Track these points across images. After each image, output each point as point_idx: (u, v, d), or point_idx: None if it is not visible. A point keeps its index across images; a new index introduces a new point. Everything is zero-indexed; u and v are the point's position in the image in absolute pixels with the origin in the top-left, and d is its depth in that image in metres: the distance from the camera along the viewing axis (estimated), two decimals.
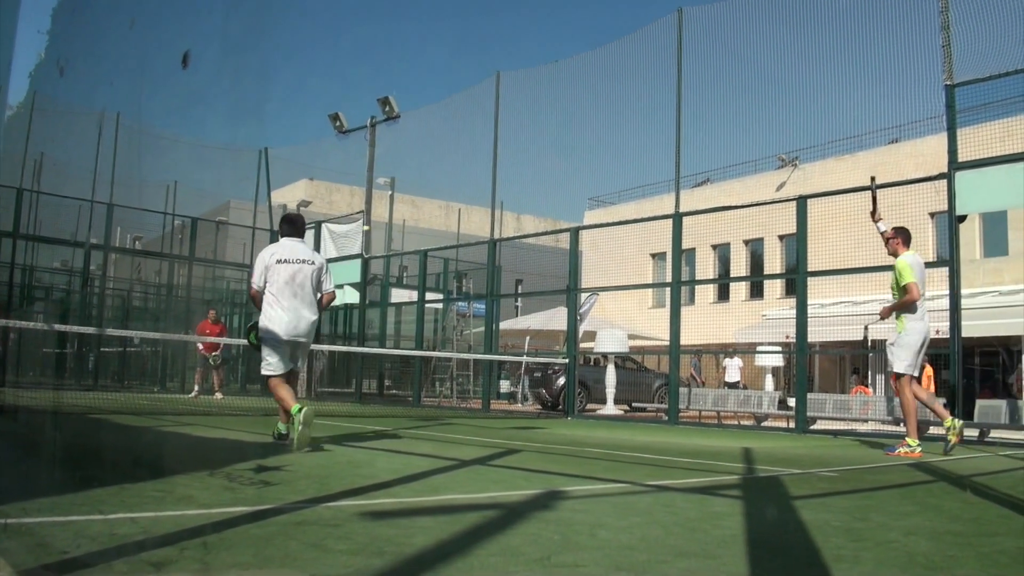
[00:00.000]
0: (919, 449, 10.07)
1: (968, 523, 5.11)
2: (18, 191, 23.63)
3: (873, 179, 11.64)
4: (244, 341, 9.74)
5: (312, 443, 8.30)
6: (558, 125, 21.60)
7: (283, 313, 8.61)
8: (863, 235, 17.29)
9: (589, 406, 23.20)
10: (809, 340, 15.86)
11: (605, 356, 23.66)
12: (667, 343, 17.46)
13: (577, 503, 5.55)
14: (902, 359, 10.28)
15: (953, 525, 4.96)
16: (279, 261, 8.72)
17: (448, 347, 27.82)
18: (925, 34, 14.18)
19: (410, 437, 11.35)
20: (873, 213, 11.20)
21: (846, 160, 31.02)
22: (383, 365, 28.40)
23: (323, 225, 26.57)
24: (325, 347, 25.74)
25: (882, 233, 10.95)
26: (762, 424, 18.23)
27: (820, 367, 29.97)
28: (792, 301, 16.06)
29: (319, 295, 8.96)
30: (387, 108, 25.54)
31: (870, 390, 26.14)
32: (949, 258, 13.54)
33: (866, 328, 24.32)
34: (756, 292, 35.02)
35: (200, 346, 21.13)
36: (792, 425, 15.96)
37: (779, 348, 23.55)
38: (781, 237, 31.01)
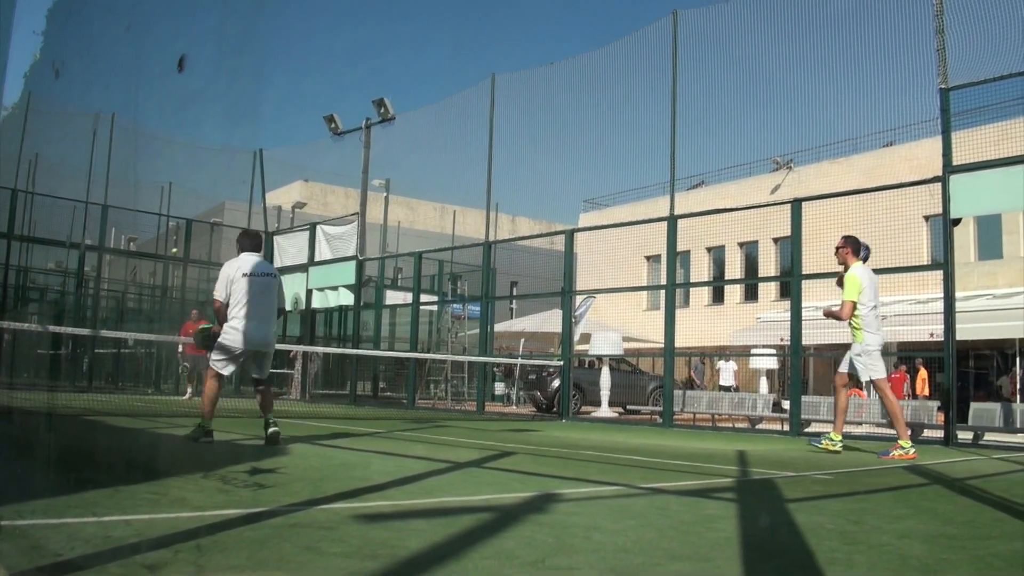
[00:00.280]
0: (913, 451, 10.09)
1: (962, 526, 5.12)
2: (13, 192, 23.60)
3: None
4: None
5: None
6: (553, 127, 21.63)
7: (248, 323, 8.96)
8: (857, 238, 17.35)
9: (583, 408, 23.19)
10: (803, 343, 15.87)
11: (600, 358, 23.67)
12: (662, 345, 17.47)
13: (571, 506, 5.56)
14: (875, 366, 10.37)
15: (947, 528, 4.97)
16: (244, 275, 9.07)
17: (443, 349, 27.83)
18: (920, 38, 14.22)
19: (404, 439, 11.35)
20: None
21: (841, 163, 31.08)
22: (377, 367, 28.38)
23: (318, 227, 26.54)
24: (320, 349, 25.77)
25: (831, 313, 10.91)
26: (756, 427, 18.23)
27: (814, 370, 30.00)
28: (786, 304, 16.09)
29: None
30: (382, 110, 25.53)
31: (864, 393, 26.19)
32: (943, 261, 13.56)
33: None
34: (751, 295, 35.09)
35: (181, 348, 21.11)
36: (787, 428, 15.98)
37: (773, 351, 23.56)
38: (776, 240, 31.08)
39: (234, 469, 6.68)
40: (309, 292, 25.83)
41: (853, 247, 10.61)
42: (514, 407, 27.16)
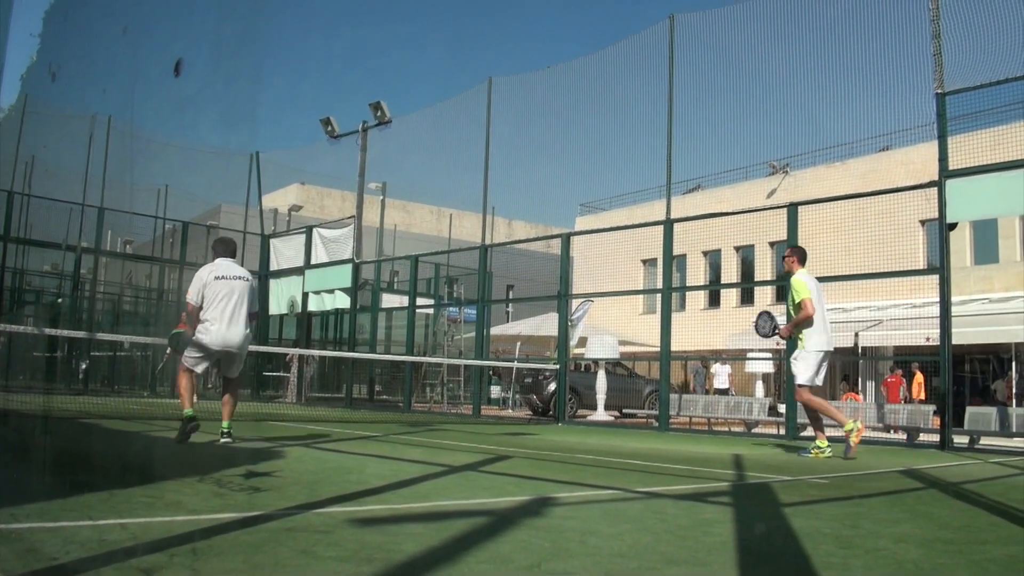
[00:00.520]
0: (829, 451, 10.52)
1: (958, 530, 5.12)
2: (9, 194, 23.55)
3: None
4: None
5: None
6: (550, 131, 21.62)
7: (220, 325, 9.38)
8: (853, 242, 17.37)
9: (579, 412, 23.20)
10: None
11: (596, 362, 23.68)
12: (658, 349, 17.47)
13: (567, 510, 5.55)
14: (802, 372, 10.75)
15: (943, 532, 4.97)
16: (217, 278, 9.50)
17: (439, 352, 27.83)
18: (916, 43, 14.23)
19: (400, 443, 11.34)
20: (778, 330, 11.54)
21: (837, 167, 31.13)
22: (373, 370, 28.39)
23: (314, 230, 26.53)
24: (316, 352, 25.73)
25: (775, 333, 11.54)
26: (752, 431, 18.22)
27: None
28: (782, 308, 16.09)
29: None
30: (379, 113, 25.56)
31: (860, 397, 26.22)
32: (940, 265, 13.56)
33: (856, 335, 24.41)
34: (747, 298, 35.03)
35: (168, 350, 21.03)
36: (783, 432, 15.98)
37: (769, 355, 23.56)
38: (772, 244, 31.08)
39: (229, 473, 6.67)
40: (305, 295, 25.81)
41: (799, 256, 11.19)
42: (510, 410, 27.17)
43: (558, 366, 19.90)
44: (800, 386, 10.78)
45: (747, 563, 3.94)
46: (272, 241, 28.64)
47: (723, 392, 26.04)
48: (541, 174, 22.91)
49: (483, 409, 22.64)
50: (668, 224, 17.22)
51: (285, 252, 27.59)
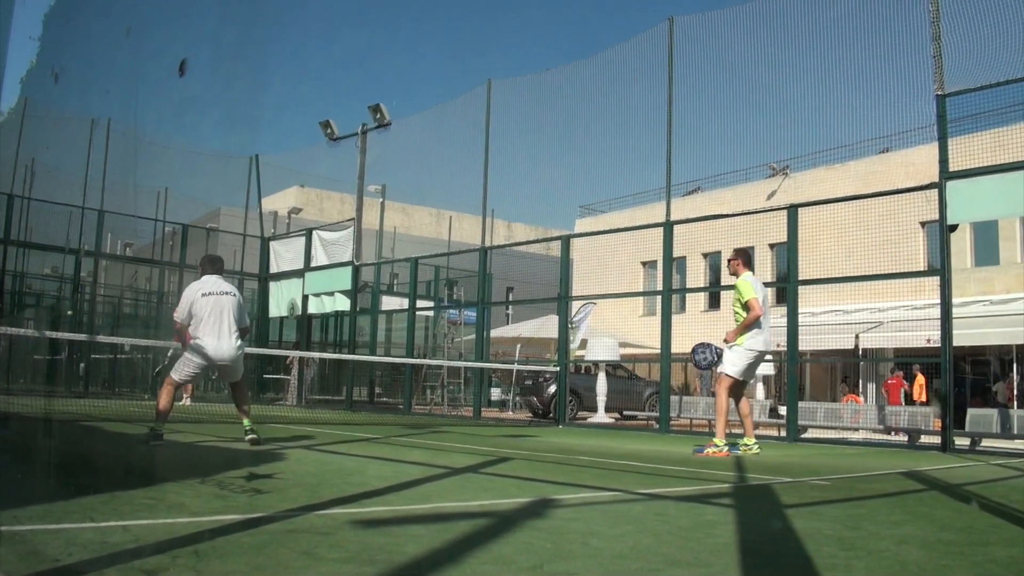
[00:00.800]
0: (726, 448, 10.67)
1: (960, 532, 5.12)
2: (9, 197, 23.57)
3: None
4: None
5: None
6: (549, 133, 21.62)
7: (210, 339, 9.58)
8: (854, 244, 17.38)
9: (580, 414, 23.22)
10: (800, 348, 15.87)
11: (596, 364, 23.69)
12: (658, 351, 17.47)
13: (569, 511, 5.54)
14: (731, 364, 10.92)
15: (945, 534, 4.96)
16: (204, 295, 9.71)
17: (439, 355, 27.82)
18: (916, 44, 14.23)
19: (401, 445, 11.34)
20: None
21: (837, 169, 31.11)
22: (374, 373, 28.42)
23: (314, 232, 26.54)
24: (315, 355, 25.74)
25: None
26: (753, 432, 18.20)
27: (811, 375, 30.03)
28: (783, 310, 16.08)
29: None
30: (378, 115, 25.57)
31: (861, 399, 26.24)
32: (940, 267, 13.55)
33: (857, 337, 24.41)
34: None
35: (171, 352, 20.99)
36: (783, 433, 15.98)
37: (770, 356, 23.57)
38: (772, 246, 31.05)
39: (231, 475, 6.67)
40: (305, 297, 25.82)
41: (744, 259, 11.28)
42: (510, 413, 27.17)
43: (558, 368, 19.89)
44: (726, 376, 10.94)
45: (749, 564, 3.94)
46: (272, 244, 28.65)
47: None
48: (541, 176, 22.99)
49: (483, 411, 22.63)
50: (668, 226, 17.22)
51: (285, 255, 27.60)
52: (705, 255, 35.46)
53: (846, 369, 28.70)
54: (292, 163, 36.95)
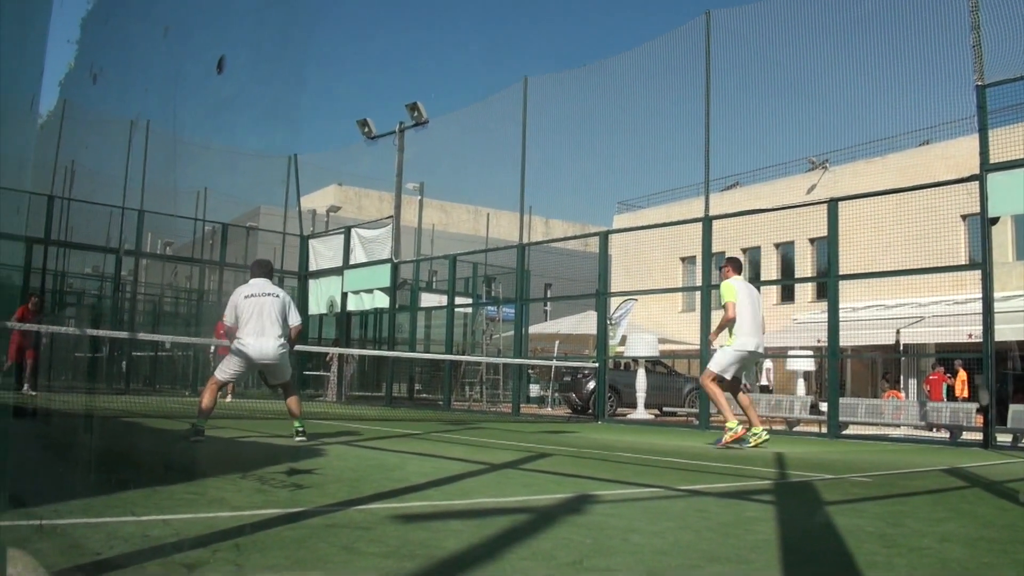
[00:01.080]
0: (740, 428, 11.23)
1: (1003, 529, 5.06)
2: (49, 198, 23.84)
3: None
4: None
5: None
6: (586, 129, 21.58)
7: (252, 339, 9.79)
8: (893, 238, 17.20)
9: (619, 410, 23.15)
10: (841, 344, 15.75)
11: (635, 360, 23.63)
12: (697, 347, 17.39)
13: (609, 507, 5.54)
14: (717, 362, 11.59)
15: (987, 531, 4.91)
16: (247, 297, 9.95)
17: (478, 351, 27.86)
18: (955, 34, 14.06)
19: (440, 441, 11.36)
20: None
21: (876, 163, 30.81)
22: (413, 369, 28.49)
23: (353, 230, 26.64)
24: (355, 351, 25.85)
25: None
26: (794, 429, 18.10)
27: (852, 371, 29.77)
28: (823, 305, 15.95)
29: (288, 326, 10.15)
30: (415, 114, 25.65)
31: (902, 395, 25.98)
32: (981, 261, 13.40)
33: (898, 332, 24.18)
34: (787, 296, 34.85)
35: (213, 348, 21.14)
36: (824, 430, 15.87)
37: (810, 352, 23.40)
38: (812, 240, 30.84)
39: (271, 470, 6.71)
40: (344, 295, 25.93)
41: (734, 266, 11.98)
42: (549, 409, 27.17)
43: (597, 364, 19.86)
44: (708, 370, 11.68)
45: (790, 561, 3.91)
46: (311, 242, 28.80)
47: (764, 389, 25.89)
48: (578, 172, 22.92)
49: (522, 408, 22.63)
50: (707, 221, 17.14)
51: (324, 252, 27.73)
52: (744, 250, 35.28)
53: (887, 365, 28.44)
54: (330, 162, 37.19)
